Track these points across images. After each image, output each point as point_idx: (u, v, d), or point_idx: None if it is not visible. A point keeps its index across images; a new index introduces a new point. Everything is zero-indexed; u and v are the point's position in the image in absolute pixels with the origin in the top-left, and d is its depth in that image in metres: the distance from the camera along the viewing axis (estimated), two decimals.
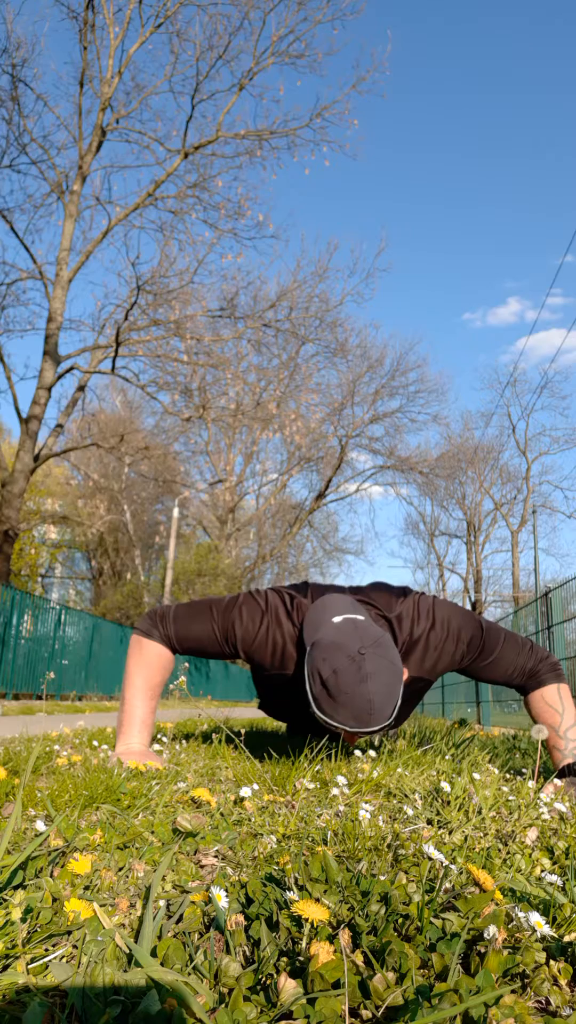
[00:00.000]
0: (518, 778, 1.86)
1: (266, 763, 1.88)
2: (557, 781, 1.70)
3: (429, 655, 1.90)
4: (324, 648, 1.59)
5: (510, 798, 1.47)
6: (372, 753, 2.05)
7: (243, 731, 2.63)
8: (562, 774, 1.81)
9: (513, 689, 2.03)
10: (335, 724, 1.58)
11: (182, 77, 21.26)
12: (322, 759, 1.96)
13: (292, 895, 0.78)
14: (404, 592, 1.97)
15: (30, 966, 0.67)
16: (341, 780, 1.53)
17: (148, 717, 1.91)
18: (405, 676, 1.81)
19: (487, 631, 1.93)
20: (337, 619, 1.68)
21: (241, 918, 0.76)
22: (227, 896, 0.79)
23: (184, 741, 2.58)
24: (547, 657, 1.97)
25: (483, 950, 0.72)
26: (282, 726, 4.17)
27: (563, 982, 0.70)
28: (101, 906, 0.80)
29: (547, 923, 0.77)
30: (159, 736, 2.49)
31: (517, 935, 0.76)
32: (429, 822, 1.30)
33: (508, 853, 1.11)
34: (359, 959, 0.68)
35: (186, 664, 2.47)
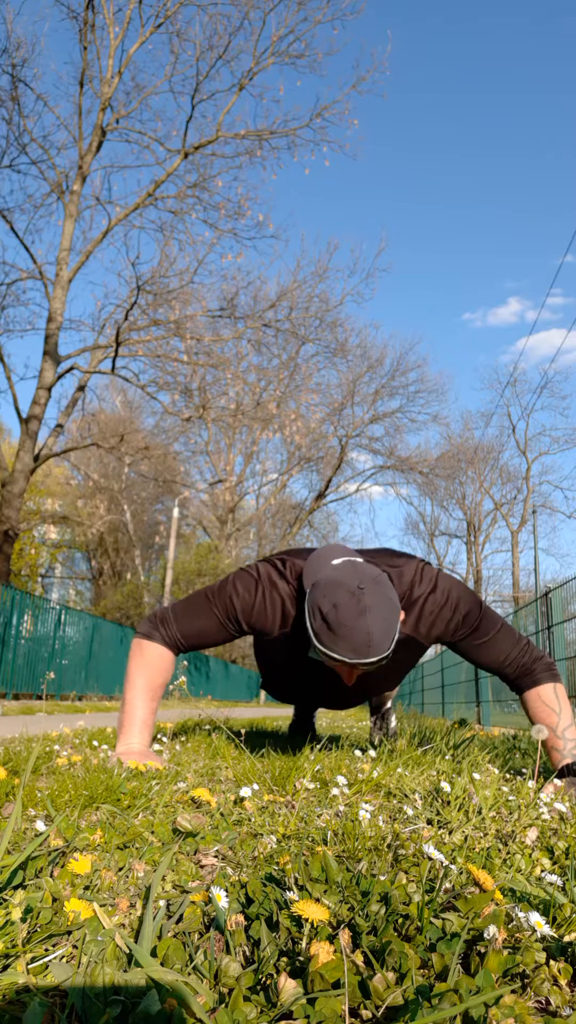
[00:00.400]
0: (518, 778, 1.86)
1: (266, 763, 1.88)
2: (557, 781, 1.69)
3: (424, 618, 1.93)
4: (324, 586, 1.65)
5: (510, 798, 1.47)
6: (372, 753, 2.05)
7: (243, 731, 2.63)
8: (562, 774, 1.81)
9: (507, 684, 2.02)
10: (336, 657, 1.61)
11: (182, 77, 21.29)
12: (322, 759, 1.96)
13: (292, 895, 0.78)
14: (410, 557, 1.99)
15: (30, 966, 0.67)
16: (341, 780, 1.53)
17: (149, 718, 1.92)
18: (401, 617, 1.85)
19: (485, 611, 1.95)
20: (336, 561, 1.74)
21: (241, 918, 0.76)
22: (227, 896, 0.79)
23: (183, 736, 2.58)
24: (542, 656, 1.98)
25: (483, 950, 0.72)
26: (282, 726, 4.17)
27: (563, 982, 0.70)
28: (101, 906, 0.80)
29: (547, 923, 0.77)
30: (159, 736, 2.49)
31: (517, 935, 0.76)
32: (429, 822, 1.30)
33: (508, 853, 1.11)
34: (359, 959, 0.68)
35: (185, 663, 2.47)
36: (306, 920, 0.70)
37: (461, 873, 0.92)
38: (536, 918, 0.74)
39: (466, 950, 0.73)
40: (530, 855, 1.09)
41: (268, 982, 0.64)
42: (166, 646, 1.96)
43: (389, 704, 3.42)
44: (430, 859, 0.93)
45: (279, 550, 2.05)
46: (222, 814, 1.28)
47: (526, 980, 0.69)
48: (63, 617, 14.01)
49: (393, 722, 3.42)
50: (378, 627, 1.58)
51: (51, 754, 2.02)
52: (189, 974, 0.65)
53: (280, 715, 10.15)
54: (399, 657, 1.96)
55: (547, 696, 1.91)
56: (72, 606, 24.78)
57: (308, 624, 1.67)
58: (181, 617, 1.96)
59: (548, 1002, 0.67)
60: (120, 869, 0.94)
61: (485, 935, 0.72)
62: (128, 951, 0.68)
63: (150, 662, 1.94)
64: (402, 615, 1.87)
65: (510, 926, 0.77)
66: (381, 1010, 0.61)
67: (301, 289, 17.12)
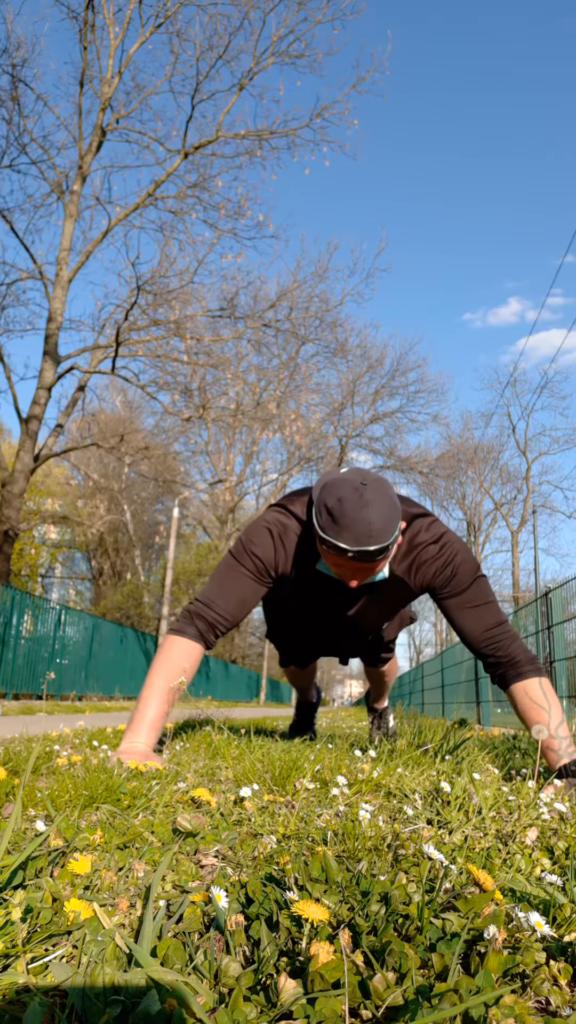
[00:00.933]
0: (518, 778, 1.86)
1: (266, 763, 1.88)
2: (557, 782, 1.69)
3: (417, 565, 2.01)
4: (330, 484, 1.76)
5: (510, 798, 1.47)
6: (372, 753, 2.05)
7: (243, 731, 2.63)
8: (560, 775, 1.80)
9: (491, 674, 2.03)
10: (341, 545, 1.71)
11: (182, 77, 21.23)
12: (322, 759, 1.96)
13: (292, 895, 0.78)
14: (427, 511, 2.06)
15: (30, 966, 0.67)
16: (341, 780, 1.53)
17: (159, 720, 1.92)
18: (402, 537, 1.97)
19: (479, 579, 2.00)
20: (344, 469, 1.84)
21: (241, 918, 0.76)
22: (227, 896, 0.79)
23: (183, 735, 2.58)
24: (529, 651, 1.99)
25: (483, 950, 0.72)
26: (281, 727, 4.17)
27: (563, 982, 0.70)
28: (101, 906, 0.80)
29: (547, 923, 0.77)
30: (160, 738, 2.49)
31: (517, 935, 0.76)
32: (429, 822, 1.30)
33: (508, 853, 1.11)
34: (359, 959, 0.68)
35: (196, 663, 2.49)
36: (306, 920, 0.70)
37: (461, 873, 0.92)
38: (536, 918, 0.74)
39: (466, 950, 0.73)
40: (530, 855, 1.09)
41: (268, 982, 0.64)
42: (199, 640, 1.99)
43: (386, 703, 3.44)
44: (430, 859, 0.93)
45: (283, 495, 2.15)
46: (222, 814, 1.28)
47: (526, 980, 0.69)
48: (63, 617, 14.01)
49: (392, 721, 3.45)
50: (379, 518, 1.69)
51: (51, 754, 2.02)
52: (189, 974, 0.65)
53: (280, 715, 10.15)
54: (391, 595, 2.12)
55: (534, 692, 1.90)
56: (72, 606, 24.78)
57: (315, 522, 1.78)
58: (217, 597, 2.01)
59: (548, 1002, 0.67)
60: (120, 869, 0.94)
61: (485, 935, 0.72)
62: (128, 951, 0.68)
63: (174, 660, 1.95)
64: (398, 546, 1.98)
65: (510, 926, 0.77)
66: (381, 1010, 0.61)
67: (301, 289, 17.12)
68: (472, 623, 1.99)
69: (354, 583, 1.85)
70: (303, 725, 3.37)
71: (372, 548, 1.70)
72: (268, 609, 2.61)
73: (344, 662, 2.86)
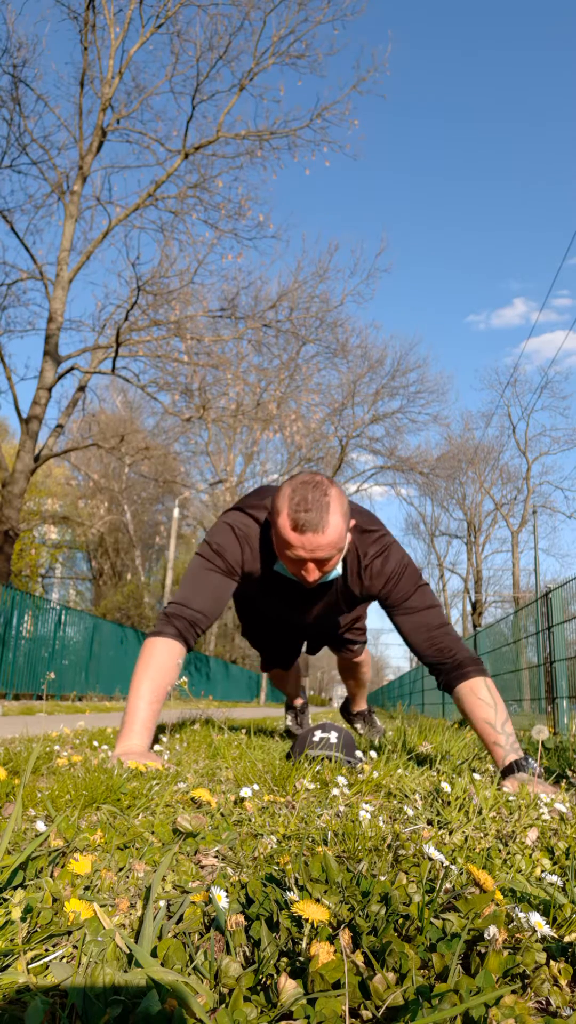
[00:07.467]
0: None
1: (266, 763, 1.88)
2: (506, 784, 1.69)
3: (365, 576, 2.14)
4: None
5: (510, 798, 1.47)
6: (372, 754, 2.05)
7: (244, 731, 2.63)
8: (509, 770, 1.80)
9: (437, 678, 2.09)
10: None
11: (182, 77, 21.25)
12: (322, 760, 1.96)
13: (292, 895, 0.78)
14: (380, 529, 2.16)
15: (30, 966, 0.67)
16: (341, 780, 1.53)
17: (151, 720, 1.93)
18: (354, 547, 2.11)
19: (421, 588, 2.11)
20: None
21: (241, 918, 0.76)
22: (227, 896, 0.79)
23: (183, 735, 2.58)
24: (473, 653, 2.06)
25: (483, 950, 0.72)
26: (280, 727, 4.17)
27: (563, 982, 0.70)
28: (101, 906, 0.80)
29: (547, 923, 0.77)
30: (159, 736, 2.49)
31: (517, 935, 0.76)
32: (429, 822, 1.30)
33: (508, 853, 1.11)
34: (359, 959, 0.68)
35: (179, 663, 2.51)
36: (306, 920, 0.69)
37: (461, 873, 0.92)
38: (536, 918, 0.74)
39: (466, 950, 0.73)
40: (530, 855, 1.09)
41: (268, 982, 0.64)
42: (178, 639, 2.03)
43: (365, 706, 3.52)
44: (430, 859, 0.93)
45: (240, 498, 2.29)
46: (222, 814, 1.28)
47: (526, 980, 0.69)
48: (63, 617, 14.01)
49: (378, 721, 3.55)
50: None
51: (51, 754, 2.02)
52: (189, 974, 0.65)
53: (280, 715, 10.14)
54: (341, 600, 2.28)
55: (480, 691, 1.96)
56: (72, 606, 24.77)
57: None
58: (192, 597, 2.07)
59: (548, 1002, 0.67)
60: (120, 869, 0.94)
61: (485, 935, 0.72)
62: (128, 951, 0.68)
63: (157, 661, 1.98)
64: (350, 560, 2.14)
65: (510, 926, 0.77)
66: (381, 1010, 0.61)
67: (302, 289, 17.10)
68: (416, 627, 2.08)
69: (311, 578, 1.95)
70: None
71: (322, 543, 1.84)
72: (240, 611, 2.75)
73: (312, 651, 3.02)
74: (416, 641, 2.08)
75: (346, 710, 3.65)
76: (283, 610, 2.38)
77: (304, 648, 3.01)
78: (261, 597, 2.33)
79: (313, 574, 1.94)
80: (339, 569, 2.07)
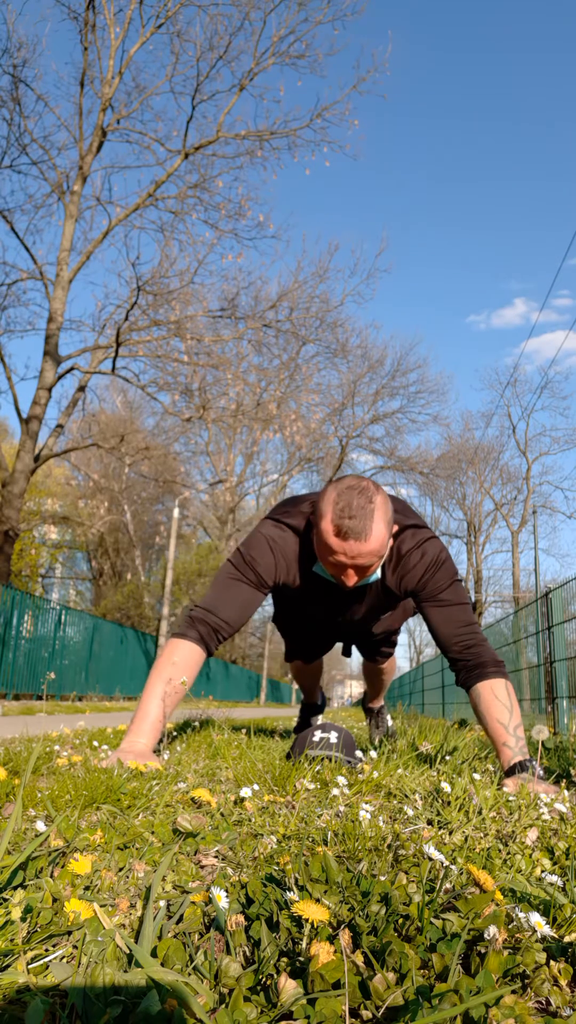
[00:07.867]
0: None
1: (266, 763, 1.88)
2: (508, 784, 1.69)
3: (402, 573, 2.13)
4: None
5: (510, 798, 1.47)
6: (372, 754, 2.05)
7: (244, 731, 2.63)
8: (511, 771, 1.80)
9: (457, 674, 2.10)
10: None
11: (183, 77, 21.22)
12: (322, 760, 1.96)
13: (292, 895, 0.78)
14: (419, 522, 2.17)
15: (30, 966, 0.67)
16: (341, 780, 1.53)
17: (160, 720, 1.94)
18: (390, 544, 2.06)
19: (456, 584, 2.11)
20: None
21: (241, 918, 0.76)
22: (227, 896, 0.79)
23: (183, 733, 2.58)
24: (496, 655, 2.05)
25: (483, 950, 0.72)
26: (280, 727, 4.17)
27: (563, 982, 0.70)
28: (101, 906, 0.80)
29: (547, 923, 0.77)
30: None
31: (517, 935, 0.76)
32: (429, 822, 1.30)
33: (508, 853, 1.11)
34: (359, 959, 0.68)
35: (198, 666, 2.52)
36: (306, 920, 0.69)
37: (461, 873, 0.92)
38: (536, 918, 0.74)
39: (466, 950, 0.73)
40: (530, 855, 1.09)
41: (268, 982, 0.64)
42: (201, 644, 2.04)
43: (382, 703, 3.51)
44: (430, 859, 0.93)
45: (273, 507, 2.29)
46: (222, 814, 1.28)
47: (526, 980, 0.69)
48: (63, 617, 14.01)
49: (389, 721, 3.54)
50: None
51: (51, 754, 2.02)
52: (189, 974, 0.65)
53: (280, 715, 10.14)
54: (380, 601, 2.28)
55: (499, 691, 1.95)
56: (72, 606, 24.77)
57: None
58: (219, 605, 2.09)
59: (548, 1002, 0.67)
60: (120, 869, 0.94)
61: (485, 935, 0.72)
62: (128, 951, 0.68)
63: (177, 661, 1.99)
64: (389, 555, 2.12)
65: (510, 926, 0.77)
66: (381, 1010, 0.61)
67: (302, 289, 17.10)
68: (446, 621, 2.08)
69: (350, 583, 1.94)
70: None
71: (364, 551, 1.84)
72: (276, 600, 2.74)
73: (347, 653, 2.98)
74: (444, 634, 2.08)
75: (365, 704, 3.69)
76: (321, 611, 2.38)
77: (341, 650, 3.00)
78: (299, 598, 2.33)
79: (352, 579, 1.94)
80: (378, 573, 2.08)
